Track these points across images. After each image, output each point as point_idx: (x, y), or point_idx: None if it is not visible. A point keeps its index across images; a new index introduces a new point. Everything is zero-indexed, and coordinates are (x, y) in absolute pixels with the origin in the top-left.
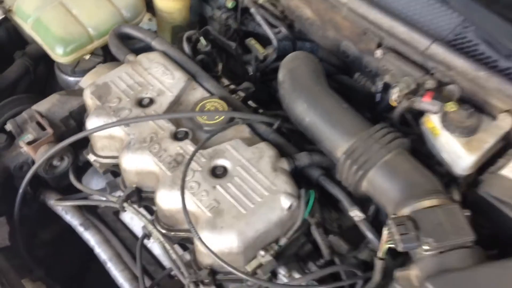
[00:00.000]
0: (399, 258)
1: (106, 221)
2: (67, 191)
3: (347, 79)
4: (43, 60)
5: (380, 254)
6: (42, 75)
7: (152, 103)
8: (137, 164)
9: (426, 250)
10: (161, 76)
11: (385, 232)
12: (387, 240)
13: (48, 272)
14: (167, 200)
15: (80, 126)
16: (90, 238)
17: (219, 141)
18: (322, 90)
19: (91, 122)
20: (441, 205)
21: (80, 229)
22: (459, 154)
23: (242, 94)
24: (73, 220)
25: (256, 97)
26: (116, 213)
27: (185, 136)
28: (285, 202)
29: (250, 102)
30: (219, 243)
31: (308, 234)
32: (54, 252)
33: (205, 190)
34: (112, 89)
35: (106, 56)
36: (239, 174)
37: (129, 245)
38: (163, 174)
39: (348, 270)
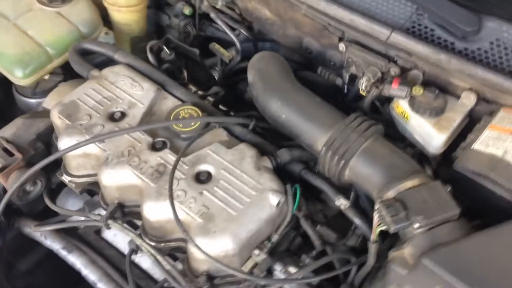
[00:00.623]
0: (387, 241)
1: (89, 241)
2: (41, 216)
3: (311, 75)
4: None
5: (373, 237)
6: None
7: (124, 116)
8: (117, 179)
9: (416, 228)
10: (129, 89)
11: (376, 215)
12: (379, 223)
13: None
14: (155, 211)
15: (49, 147)
16: (75, 260)
17: (198, 147)
18: (293, 87)
19: (63, 142)
20: (424, 184)
21: (63, 253)
22: (430, 135)
23: (211, 99)
24: (54, 245)
25: (224, 101)
26: (98, 232)
27: (163, 145)
28: (273, 199)
29: (220, 106)
30: (214, 247)
31: (297, 227)
32: (34, 282)
33: (193, 197)
34: (81, 106)
35: (65, 74)
36: (224, 177)
37: (116, 263)
38: (147, 186)
39: (341, 258)
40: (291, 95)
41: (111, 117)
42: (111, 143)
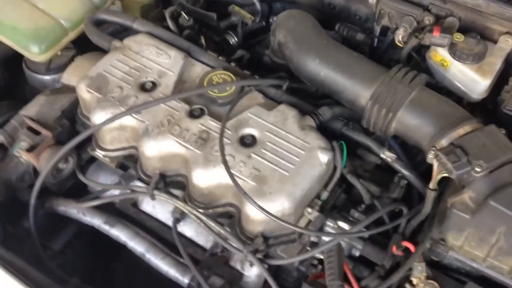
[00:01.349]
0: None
1: (128, 214)
2: (70, 194)
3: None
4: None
5: (432, 185)
6: (8, 80)
7: (156, 86)
8: (160, 149)
9: (478, 172)
10: (156, 58)
11: (435, 163)
12: (439, 171)
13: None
14: (205, 178)
15: (74, 123)
16: (119, 233)
17: (237, 111)
18: (329, 43)
19: (98, 116)
20: (480, 129)
21: (106, 227)
22: (474, 80)
23: (233, 64)
24: (95, 220)
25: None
26: (134, 204)
27: (202, 112)
28: (323, 157)
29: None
30: (271, 208)
31: (340, 184)
32: (67, 261)
33: (242, 161)
34: (109, 78)
35: (77, 48)
36: (269, 139)
37: (159, 233)
38: (193, 154)
39: (391, 210)
40: (328, 52)
41: (143, 88)
42: (148, 114)
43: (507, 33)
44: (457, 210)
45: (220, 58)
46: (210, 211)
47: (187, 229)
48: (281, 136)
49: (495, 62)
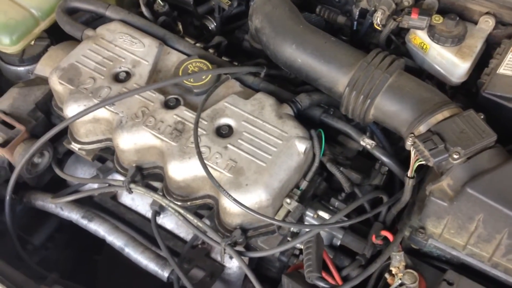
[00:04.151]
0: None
1: (107, 208)
2: (48, 188)
3: (308, 16)
4: None
5: (410, 173)
6: None
7: (130, 76)
8: (135, 141)
9: (455, 159)
10: (130, 46)
11: (412, 151)
12: (416, 158)
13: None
14: (180, 170)
15: (49, 116)
16: (97, 228)
17: (213, 101)
18: (306, 28)
19: (70, 109)
20: (458, 114)
21: (84, 222)
22: (454, 63)
23: (211, 50)
24: (73, 215)
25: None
26: (114, 197)
27: (177, 103)
28: (301, 146)
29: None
30: (248, 200)
31: (320, 172)
32: (49, 255)
33: (218, 152)
34: (81, 69)
35: (51, 38)
36: (246, 129)
37: (139, 226)
38: (168, 146)
39: (371, 198)
40: (305, 38)
41: (116, 78)
42: (123, 105)
43: (487, 13)
44: (435, 198)
45: (198, 45)
46: (188, 203)
47: (168, 221)
48: (258, 125)
49: (475, 44)
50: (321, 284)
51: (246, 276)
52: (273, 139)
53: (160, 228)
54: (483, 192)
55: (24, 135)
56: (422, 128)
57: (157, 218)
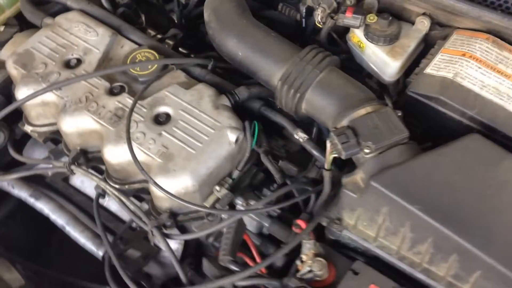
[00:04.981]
0: (346, 169)
1: (57, 188)
2: (8, 169)
3: (273, 13)
4: None
5: (326, 165)
6: None
7: (81, 63)
8: (77, 125)
9: (367, 153)
10: (84, 35)
11: (328, 144)
12: (331, 151)
13: (7, 248)
14: (115, 154)
15: (10, 99)
16: (43, 207)
17: (157, 90)
18: (248, 23)
19: (20, 92)
20: (376, 111)
21: (31, 200)
22: (385, 62)
23: (171, 42)
24: (22, 193)
25: (187, 44)
26: (66, 179)
27: (121, 90)
28: (232, 136)
29: (180, 49)
30: (174, 185)
31: (259, 163)
32: (9, 232)
33: (152, 138)
34: (35, 55)
35: (21, 25)
36: (182, 118)
37: (85, 208)
38: (106, 130)
39: (300, 188)
40: (247, 32)
41: (67, 65)
42: (69, 90)
43: (423, 14)
44: (347, 190)
45: (159, 36)
46: (126, 187)
47: (112, 204)
48: (194, 114)
49: (408, 44)
50: (232, 266)
51: (181, 259)
52: (206, 128)
53: (104, 210)
54: (385, 186)
55: None
56: (344, 123)
57: (103, 201)
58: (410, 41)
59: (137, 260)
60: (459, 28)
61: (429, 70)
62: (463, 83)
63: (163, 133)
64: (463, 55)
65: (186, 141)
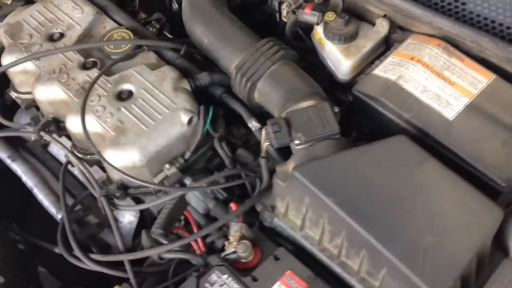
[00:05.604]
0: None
1: (35, 153)
2: None
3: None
4: None
5: (262, 153)
6: None
7: (62, 37)
8: (48, 94)
9: (298, 145)
10: (70, 12)
11: (263, 132)
12: (265, 139)
13: None
14: (76, 124)
15: None
16: (17, 168)
17: (126, 68)
18: (217, 12)
19: (5, 60)
20: (314, 105)
21: (8, 161)
22: (339, 60)
23: (156, 25)
24: (1, 154)
25: (177, 30)
26: (45, 146)
27: (93, 65)
28: (184, 117)
29: (165, 33)
30: (123, 158)
31: (214, 148)
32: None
33: (110, 112)
34: (24, 26)
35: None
36: (142, 96)
37: (57, 174)
38: (72, 101)
39: (246, 174)
40: (213, 20)
41: (50, 38)
42: (46, 61)
43: (384, 16)
44: (277, 179)
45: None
46: (88, 157)
47: None
48: (153, 94)
49: (364, 44)
50: (160, 239)
51: (136, 230)
52: (162, 108)
53: (74, 177)
54: (305, 176)
55: None
56: (284, 114)
57: (74, 169)
58: (367, 42)
59: (91, 228)
60: (416, 32)
61: (377, 71)
62: (405, 86)
63: (122, 108)
64: (412, 59)
65: (141, 118)
